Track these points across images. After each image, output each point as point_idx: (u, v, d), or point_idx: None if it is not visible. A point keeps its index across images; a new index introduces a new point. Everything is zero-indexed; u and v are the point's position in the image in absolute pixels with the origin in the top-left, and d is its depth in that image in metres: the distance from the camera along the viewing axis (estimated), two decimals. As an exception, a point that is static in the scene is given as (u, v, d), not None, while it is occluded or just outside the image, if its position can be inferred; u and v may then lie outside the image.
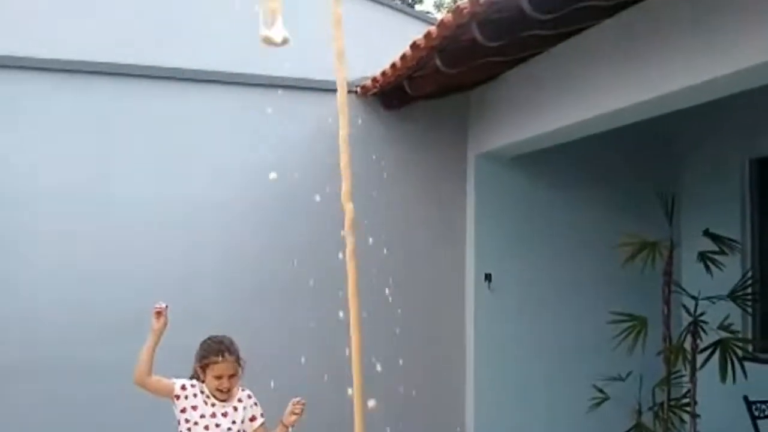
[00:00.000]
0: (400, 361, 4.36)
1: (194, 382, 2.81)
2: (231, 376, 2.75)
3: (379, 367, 4.08)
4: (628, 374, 4.27)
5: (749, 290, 4.08)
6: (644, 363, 4.23)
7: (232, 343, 2.79)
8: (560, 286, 4.68)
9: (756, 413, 3.39)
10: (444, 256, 4.61)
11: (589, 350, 4.59)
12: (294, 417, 2.81)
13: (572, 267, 4.71)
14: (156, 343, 2.73)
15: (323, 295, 3.82)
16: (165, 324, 2.72)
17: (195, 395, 2.78)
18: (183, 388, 2.77)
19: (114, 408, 3.71)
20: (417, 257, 4.55)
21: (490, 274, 4.54)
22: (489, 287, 4.53)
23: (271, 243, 4.23)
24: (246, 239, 4.18)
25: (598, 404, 4.21)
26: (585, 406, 4.29)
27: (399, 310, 4.40)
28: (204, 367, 2.74)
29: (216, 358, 2.71)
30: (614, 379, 4.26)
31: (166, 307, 2.74)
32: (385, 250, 4.37)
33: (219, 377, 2.72)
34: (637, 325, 4.08)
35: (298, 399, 2.81)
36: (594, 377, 4.37)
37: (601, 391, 4.23)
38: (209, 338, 2.84)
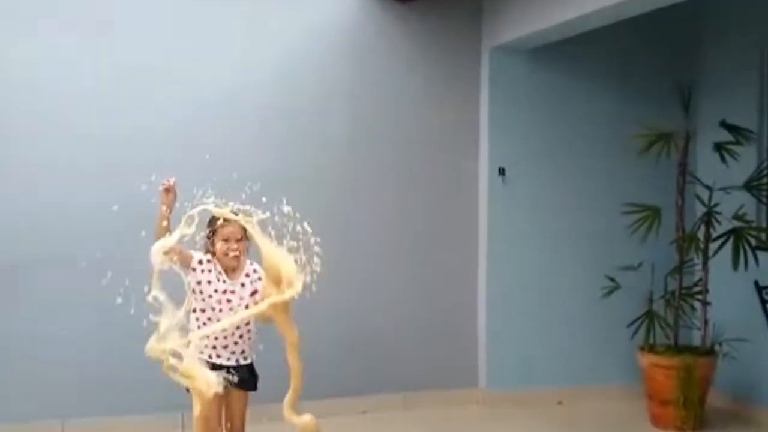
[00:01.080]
0: (417, 247, 4.63)
1: (209, 257, 2.94)
2: (238, 240, 2.87)
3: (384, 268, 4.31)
4: (640, 264, 4.46)
5: (764, 180, 4.17)
6: (657, 252, 4.44)
7: (237, 211, 2.85)
8: (574, 177, 4.77)
9: (766, 297, 3.52)
10: (458, 150, 4.69)
11: (602, 240, 4.76)
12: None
13: (587, 158, 4.80)
14: (168, 218, 2.83)
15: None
16: (174, 199, 2.81)
17: (210, 270, 2.93)
18: (200, 262, 2.92)
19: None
20: (431, 153, 4.65)
21: (503, 168, 4.61)
22: (503, 181, 4.63)
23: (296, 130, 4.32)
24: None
25: (610, 293, 4.42)
26: (597, 295, 4.52)
27: (414, 203, 4.62)
28: (213, 233, 2.87)
29: (223, 222, 2.83)
30: (627, 268, 4.46)
31: (174, 182, 2.84)
32: (397, 148, 4.56)
33: (226, 240, 2.85)
34: (650, 215, 4.27)
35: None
36: (606, 267, 4.57)
37: (612, 280, 4.43)
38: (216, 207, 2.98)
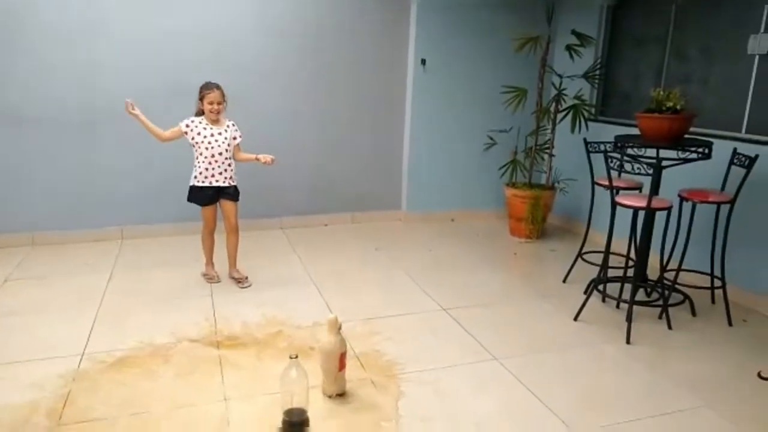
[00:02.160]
0: (364, 113, 5.72)
1: (194, 118, 4.00)
2: (219, 103, 3.95)
3: (341, 129, 5.64)
4: (511, 128, 5.80)
5: (597, 72, 5.38)
6: (522, 120, 5.71)
7: (218, 84, 3.99)
8: (473, 67, 5.79)
9: (590, 149, 4.19)
10: (390, 46, 5.64)
11: (487, 111, 5.87)
12: (264, 158, 4.09)
13: (482, 53, 5.78)
14: (145, 123, 3.92)
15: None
16: (137, 113, 3.88)
17: (197, 125, 4.00)
18: (187, 126, 3.99)
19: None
20: (376, 44, 5.57)
21: (424, 59, 5.66)
22: (424, 69, 5.68)
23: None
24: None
25: (489, 147, 5.81)
26: (481, 149, 5.90)
27: (363, 81, 5.65)
28: (202, 99, 3.95)
29: (209, 90, 3.94)
30: (501, 131, 5.81)
31: (132, 104, 3.87)
32: (338, 46, 5.50)
33: (211, 103, 3.94)
34: (520, 93, 5.42)
35: (271, 157, 4.08)
36: (488, 129, 5.87)
37: (491, 138, 5.80)
38: (205, 82, 4.03)
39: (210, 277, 4.32)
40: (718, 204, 3.79)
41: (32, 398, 2.81)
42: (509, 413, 2.81)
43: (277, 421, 2.59)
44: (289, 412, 2.56)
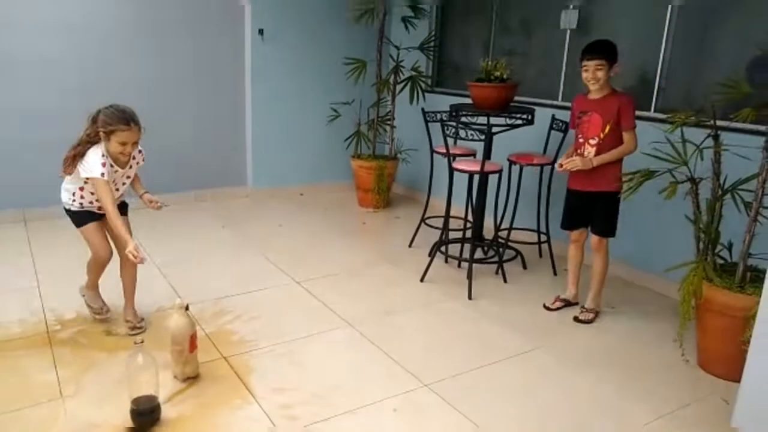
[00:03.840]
0: (207, 88, 5.50)
1: (104, 159, 2.86)
2: (134, 143, 2.91)
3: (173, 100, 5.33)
4: (353, 100, 5.88)
5: (432, 44, 5.60)
6: (363, 92, 5.81)
7: (135, 113, 2.87)
8: (312, 38, 5.77)
9: (427, 118, 4.32)
10: (226, 13, 5.45)
11: (329, 83, 5.90)
12: (153, 205, 3.13)
13: (321, 24, 5.77)
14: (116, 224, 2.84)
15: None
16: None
17: (109, 168, 2.91)
18: (102, 174, 2.86)
19: None
20: (213, 19, 5.38)
21: (262, 29, 5.54)
22: (262, 39, 5.57)
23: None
24: None
25: (333, 119, 5.86)
26: (325, 121, 5.94)
27: (205, 57, 5.45)
28: (109, 133, 2.83)
29: (124, 126, 2.82)
30: (344, 103, 5.86)
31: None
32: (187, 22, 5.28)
33: (124, 143, 2.85)
34: (360, 66, 5.52)
35: (159, 204, 3.12)
36: (332, 101, 5.89)
37: (335, 110, 5.84)
38: (113, 107, 2.87)
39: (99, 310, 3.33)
40: (542, 166, 4.17)
41: None
42: (364, 374, 2.91)
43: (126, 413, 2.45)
44: (136, 401, 2.43)
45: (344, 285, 3.94)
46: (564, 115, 4.24)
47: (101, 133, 2.85)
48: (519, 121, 3.95)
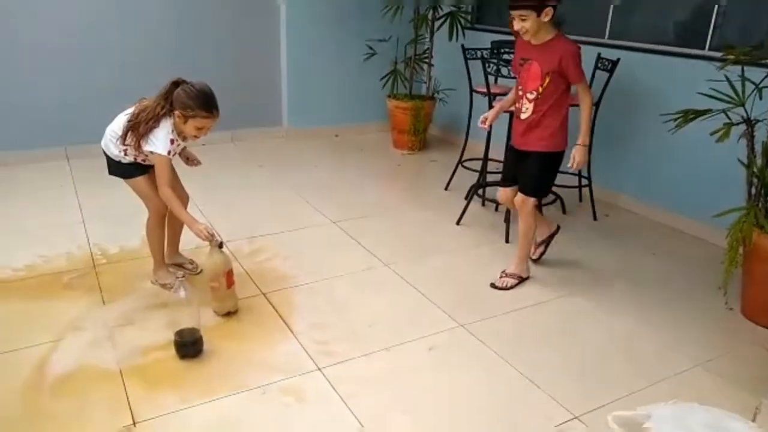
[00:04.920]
0: (231, 33, 5.44)
1: (172, 136, 2.72)
2: (207, 130, 2.77)
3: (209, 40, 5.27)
4: (390, 37, 5.70)
5: None
6: (401, 29, 5.62)
7: (214, 96, 2.69)
8: None
9: (467, 56, 4.21)
10: None
11: (364, 20, 5.70)
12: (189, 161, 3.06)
13: None
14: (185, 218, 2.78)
15: None
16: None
17: (176, 147, 2.79)
18: (169, 153, 2.74)
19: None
20: None
21: None
22: None
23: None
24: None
25: (369, 58, 5.67)
26: (361, 59, 5.75)
27: (227, 24, 5.38)
28: (188, 117, 2.66)
29: (206, 113, 2.66)
30: (380, 40, 5.68)
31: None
32: None
33: (200, 128, 2.72)
34: (397, 0, 5.30)
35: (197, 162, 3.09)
36: (367, 39, 5.70)
37: (371, 48, 5.66)
38: (192, 86, 2.66)
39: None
40: (585, 107, 4.01)
41: None
42: (400, 313, 2.93)
43: (169, 341, 2.52)
44: (179, 333, 2.49)
45: (379, 226, 3.94)
46: (611, 54, 4.05)
47: (177, 114, 2.66)
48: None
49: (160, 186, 2.76)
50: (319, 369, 2.48)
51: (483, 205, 4.31)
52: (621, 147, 4.34)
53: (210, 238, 2.70)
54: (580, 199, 4.43)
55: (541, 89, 2.92)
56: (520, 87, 3.06)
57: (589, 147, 3.47)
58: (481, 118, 3.19)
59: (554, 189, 4.26)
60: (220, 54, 5.42)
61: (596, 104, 3.93)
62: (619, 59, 3.89)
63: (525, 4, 2.77)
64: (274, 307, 2.92)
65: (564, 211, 4.25)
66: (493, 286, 3.18)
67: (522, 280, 3.23)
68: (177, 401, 2.26)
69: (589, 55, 4.05)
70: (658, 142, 4.06)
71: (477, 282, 3.26)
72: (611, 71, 3.91)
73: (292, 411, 2.24)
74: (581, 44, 4.20)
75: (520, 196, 3.13)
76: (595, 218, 4.17)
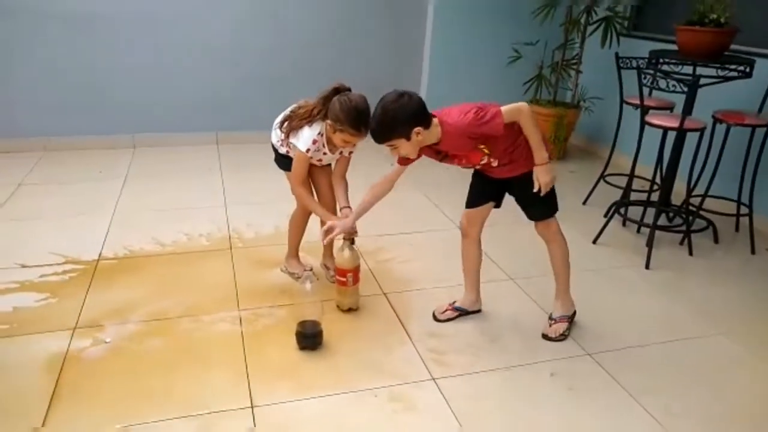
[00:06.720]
0: (376, 34, 5.55)
1: (318, 137, 2.71)
2: (354, 145, 2.75)
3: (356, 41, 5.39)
4: (538, 41, 5.48)
5: None
6: (550, 33, 5.39)
7: (368, 113, 2.51)
8: None
9: (621, 64, 3.93)
10: None
11: (511, 22, 5.56)
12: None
13: None
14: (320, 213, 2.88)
15: None
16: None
17: (316, 151, 2.77)
18: (308, 151, 2.74)
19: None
20: None
21: None
22: None
23: None
24: None
25: (514, 60, 5.49)
26: (505, 62, 5.58)
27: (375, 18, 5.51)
28: (338, 129, 2.61)
29: (354, 131, 2.59)
30: (527, 43, 5.47)
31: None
32: None
33: (348, 142, 2.69)
34: (549, 2, 5.09)
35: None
36: (513, 42, 5.51)
37: (516, 51, 5.47)
38: (351, 102, 2.58)
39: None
40: (754, 127, 3.61)
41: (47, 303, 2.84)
42: (523, 329, 2.80)
43: (291, 331, 2.59)
44: (302, 324, 2.55)
45: (507, 236, 3.79)
46: (791, 69, 3.60)
47: (329, 122, 2.64)
48: (734, 74, 3.42)
49: (292, 183, 2.83)
50: (434, 379, 2.43)
51: (624, 225, 4.02)
52: (793, 174, 3.85)
53: (352, 234, 2.73)
54: (737, 229, 3.99)
55: (486, 152, 2.48)
56: (467, 165, 2.63)
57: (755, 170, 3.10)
58: (326, 227, 2.74)
59: (706, 215, 3.88)
60: (363, 50, 5.53)
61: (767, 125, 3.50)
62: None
63: (386, 138, 2.37)
64: (393, 309, 2.91)
65: (716, 240, 3.85)
66: (545, 337, 2.76)
67: (572, 319, 2.84)
68: (290, 391, 2.32)
69: (765, 68, 3.65)
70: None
71: (610, 308, 3.04)
72: (790, 89, 3.47)
73: (399, 419, 2.21)
74: (759, 56, 3.78)
75: (540, 224, 2.76)
76: (753, 251, 3.74)
